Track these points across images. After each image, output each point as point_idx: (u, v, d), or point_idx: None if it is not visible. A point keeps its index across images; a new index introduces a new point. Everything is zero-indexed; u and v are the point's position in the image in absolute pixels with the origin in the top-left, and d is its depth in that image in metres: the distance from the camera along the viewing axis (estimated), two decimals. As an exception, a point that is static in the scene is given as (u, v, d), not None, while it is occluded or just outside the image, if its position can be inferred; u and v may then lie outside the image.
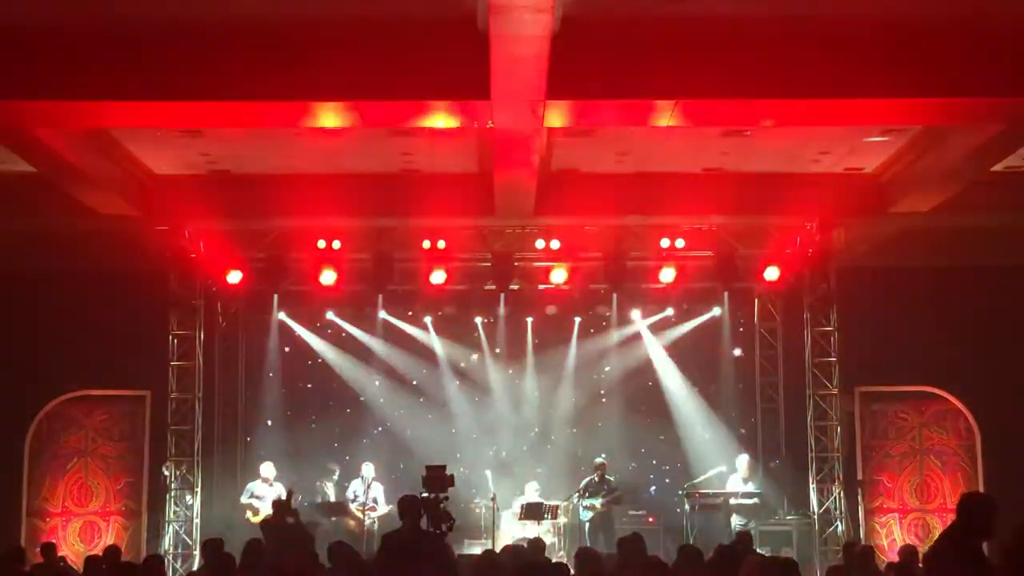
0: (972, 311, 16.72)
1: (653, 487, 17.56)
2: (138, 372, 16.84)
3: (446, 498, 10.13)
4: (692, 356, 17.94)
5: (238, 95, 10.94)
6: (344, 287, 16.62)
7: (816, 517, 16.06)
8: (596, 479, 16.11)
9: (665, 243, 16.26)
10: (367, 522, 15.76)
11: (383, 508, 15.90)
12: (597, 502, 15.96)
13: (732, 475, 16.18)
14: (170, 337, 16.26)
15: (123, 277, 16.31)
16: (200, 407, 16.42)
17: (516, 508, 16.01)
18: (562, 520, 16.01)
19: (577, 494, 16.04)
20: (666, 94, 10.89)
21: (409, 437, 17.57)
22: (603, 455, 16.47)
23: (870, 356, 16.75)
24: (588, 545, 14.48)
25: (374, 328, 17.64)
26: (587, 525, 15.96)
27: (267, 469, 16.10)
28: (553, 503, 15.89)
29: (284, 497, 15.45)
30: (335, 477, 16.69)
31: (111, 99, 10.95)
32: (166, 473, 16.16)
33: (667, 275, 16.52)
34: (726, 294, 17.26)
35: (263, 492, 15.78)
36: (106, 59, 10.51)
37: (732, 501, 15.81)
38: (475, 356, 18.08)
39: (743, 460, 16.27)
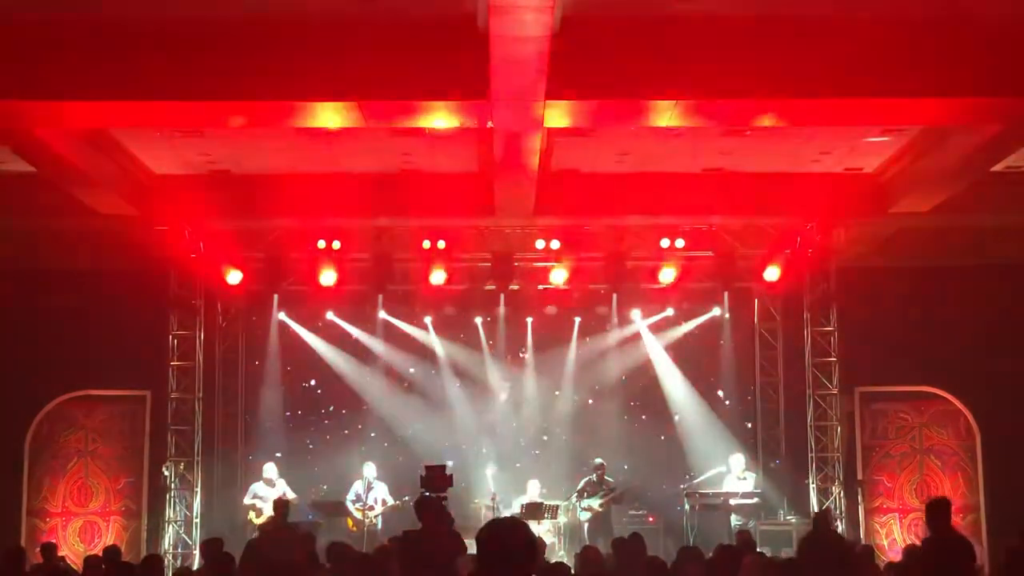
0: (972, 311, 16.72)
1: (652, 487, 17.51)
2: (138, 372, 16.84)
3: (444, 498, 10.20)
4: (692, 356, 17.94)
5: (238, 95, 10.96)
6: (344, 287, 16.62)
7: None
8: (595, 479, 16.11)
9: (665, 243, 16.26)
10: (367, 522, 15.76)
11: (385, 506, 15.92)
12: (595, 503, 15.96)
13: (728, 475, 16.18)
14: (170, 337, 16.28)
15: (123, 277, 16.32)
16: (200, 407, 16.43)
17: (516, 508, 16.01)
18: (562, 520, 16.02)
19: (576, 495, 16.05)
20: (666, 94, 10.89)
21: (409, 437, 17.59)
22: (599, 457, 16.46)
23: (870, 356, 16.75)
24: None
25: (374, 328, 17.64)
26: (586, 526, 15.98)
27: (269, 470, 16.08)
28: (553, 503, 15.90)
29: (287, 497, 15.55)
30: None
31: (111, 99, 10.96)
32: (166, 473, 16.16)
33: (667, 275, 16.52)
34: (726, 294, 17.26)
35: (265, 493, 15.77)
36: (106, 59, 10.51)
37: (732, 501, 15.80)
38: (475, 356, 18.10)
39: (737, 459, 16.26)
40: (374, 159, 14.55)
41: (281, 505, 13.88)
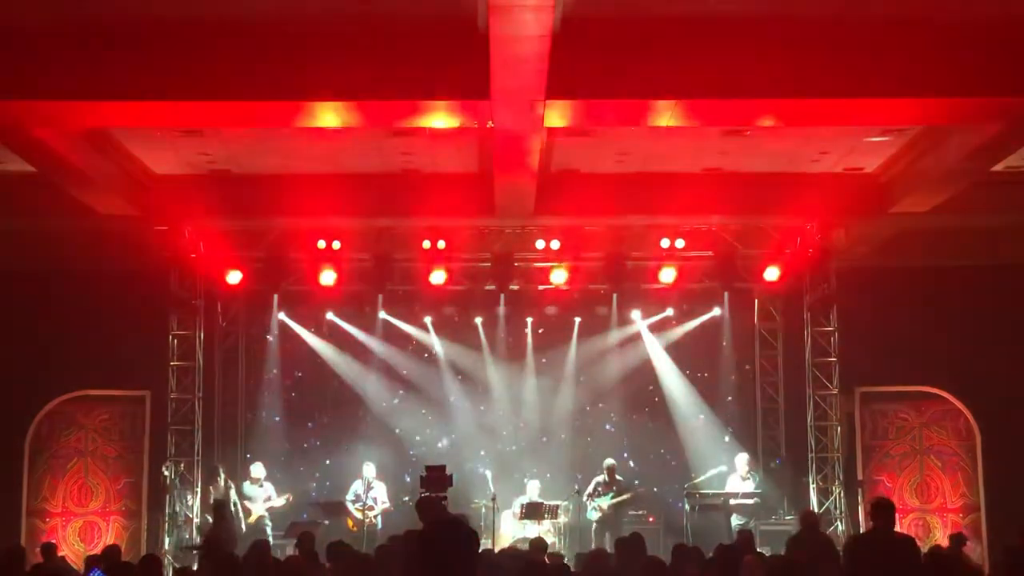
0: (972, 311, 16.71)
1: (652, 487, 17.51)
2: (138, 372, 16.83)
3: (444, 498, 10.21)
4: (692, 356, 17.94)
5: (238, 95, 10.96)
6: (344, 287, 16.63)
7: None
8: (606, 479, 16.11)
9: (665, 243, 16.26)
10: (367, 522, 15.77)
11: (383, 506, 15.98)
12: (605, 502, 15.97)
13: (732, 475, 16.20)
14: (170, 337, 16.26)
15: (123, 277, 16.30)
16: (200, 407, 16.41)
17: (516, 508, 16.02)
18: (562, 520, 16.02)
19: (587, 495, 16.06)
20: (666, 94, 10.90)
21: (409, 437, 17.58)
22: (610, 458, 16.44)
23: (870, 356, 16.74)
24: (594, 545, 14.60)
25: (374, 328, 17.63)
26: (595, 526, 15.99)
27: (257, 469, 16.17)
28: (553, 503, 15.90)
29: (275, 497, 15.73)
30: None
31: (111, 99, 10.96)
32: (166, 473, 16.16)
33: (667, 275, 16.52)
34: (726, 294, 17.24)
35: (253, 492, 15.91)
36: (106, 59, 10.52)
37: (732, 501, 15.82)
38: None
39: (742, 459, 16.29)
40: (374, 159, 14.54)
41: (217, 506, 14.27)
